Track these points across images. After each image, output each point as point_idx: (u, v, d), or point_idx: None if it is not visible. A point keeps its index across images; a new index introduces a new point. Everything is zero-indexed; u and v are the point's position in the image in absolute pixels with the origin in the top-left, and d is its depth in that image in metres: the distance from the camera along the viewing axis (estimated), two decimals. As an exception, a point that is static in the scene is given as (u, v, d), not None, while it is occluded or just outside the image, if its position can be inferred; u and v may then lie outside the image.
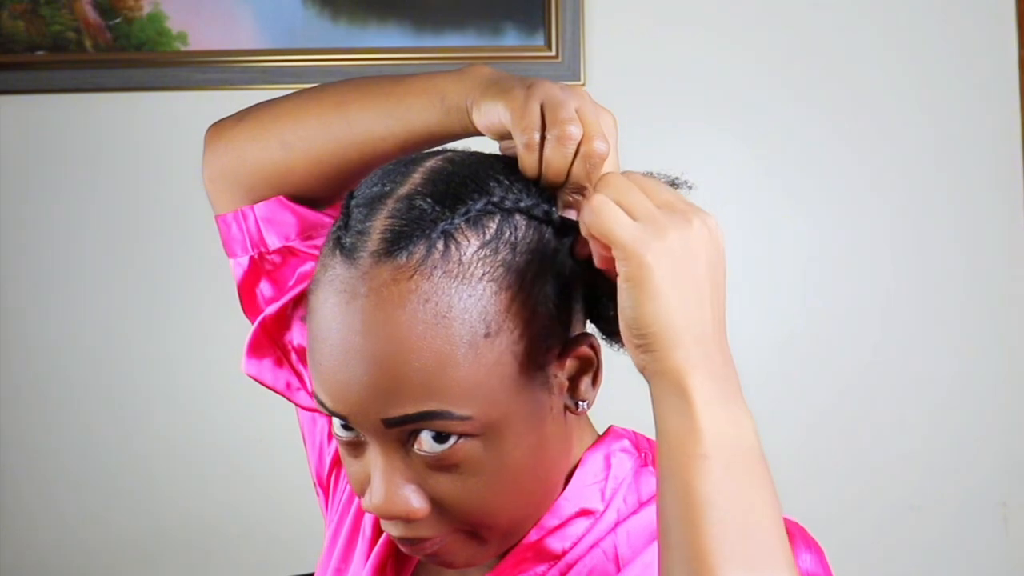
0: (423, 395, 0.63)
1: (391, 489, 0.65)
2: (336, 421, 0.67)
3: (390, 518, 0.67)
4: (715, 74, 1.98)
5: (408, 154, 0.74)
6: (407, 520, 0.67)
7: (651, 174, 0.70)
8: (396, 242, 0.63)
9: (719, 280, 0.63)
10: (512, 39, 1.95)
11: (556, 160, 0.65)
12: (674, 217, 0.61)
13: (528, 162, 0.66)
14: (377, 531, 0.83)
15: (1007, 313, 1.99)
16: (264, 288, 0.86)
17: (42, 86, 1.96)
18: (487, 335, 0.63)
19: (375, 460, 0.66)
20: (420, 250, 0.62)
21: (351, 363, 0.63)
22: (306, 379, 0.87)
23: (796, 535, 0.69)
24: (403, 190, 0.65)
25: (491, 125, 0.69)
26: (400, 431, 0.64)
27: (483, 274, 0.63)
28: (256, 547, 1.95)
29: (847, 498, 1.97)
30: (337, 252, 0.65)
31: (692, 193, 0.71)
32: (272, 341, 0.86)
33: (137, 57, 1.96)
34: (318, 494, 0.92)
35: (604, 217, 0.61)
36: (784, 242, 1.99)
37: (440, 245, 0.63)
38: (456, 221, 0.63)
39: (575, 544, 0.72)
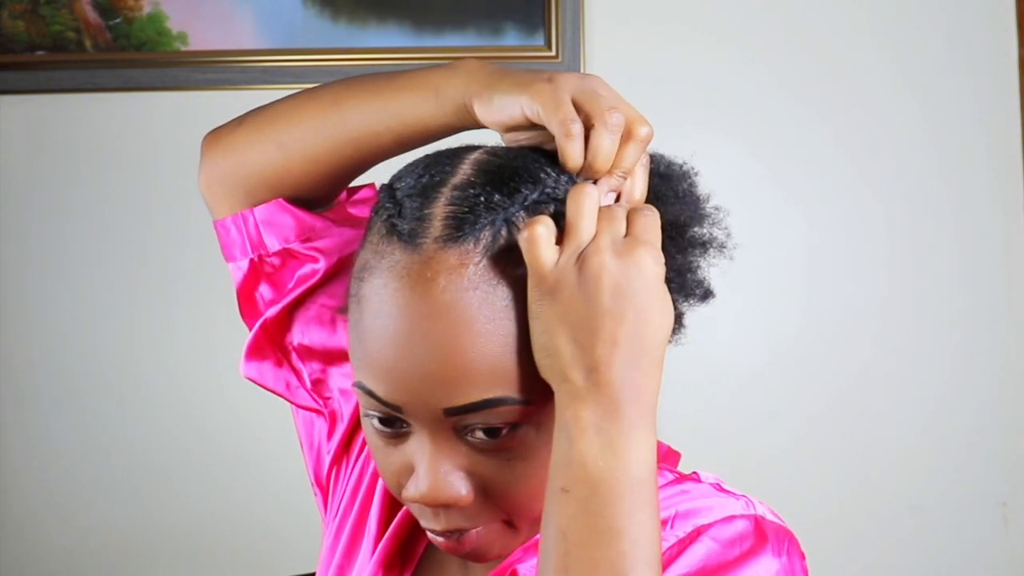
0: (488, 382, 0.63)
1: (439, 476, 0.65)
2: (373, 413, 0.67)
3: (436, 505, 0.66)
4: (715, 74, 1.98)
5: (405, 149, 0.76)
6: (452, 507, 0.66)
7: (655, 156, 0.72)
8: (460, 228, 0.63)
9: (637, 314, 0.62)
10: (512, 39, 1.95)
11: (605, 147, 0.66)
12: (595, 256, 0.62)
13: (572, 152, 0.66)
14: (382, 528, 0.83)
15: (1007, 313, 1.99)
16: (264, 291, 0.86)
17: (42, 86, 1.96)
18: None
19: (422, 448, 0.66)
20: (486, 236, 0.64)
21: (416, 350, 0.63)
22: (305, 377, 0.87)
23: (771, 539, 0.69)
24: (456, 180, 0.66)
25: (506, 118, 0.70)
26: (458, 419, 0.64)
27: None
28: (258, 546, 1.95)
29: (847, 498, 1.97)
30: (394, 238, 0.65)
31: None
32: (273, 343, 0.86)
33: (137, 57, 1.96)
34: (316, 494, 0.92)
35: (531, 246, 0.63)
36: (784, 242, 1.99)
37: (504, 232, 0.64)
38: (515, 209, 0.65)
39: None
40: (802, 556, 0.71)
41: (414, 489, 0.66)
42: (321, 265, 0.84)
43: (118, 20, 1.96)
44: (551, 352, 0.62)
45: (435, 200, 0.65)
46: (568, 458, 0.61)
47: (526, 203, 0.65)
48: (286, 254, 0.85)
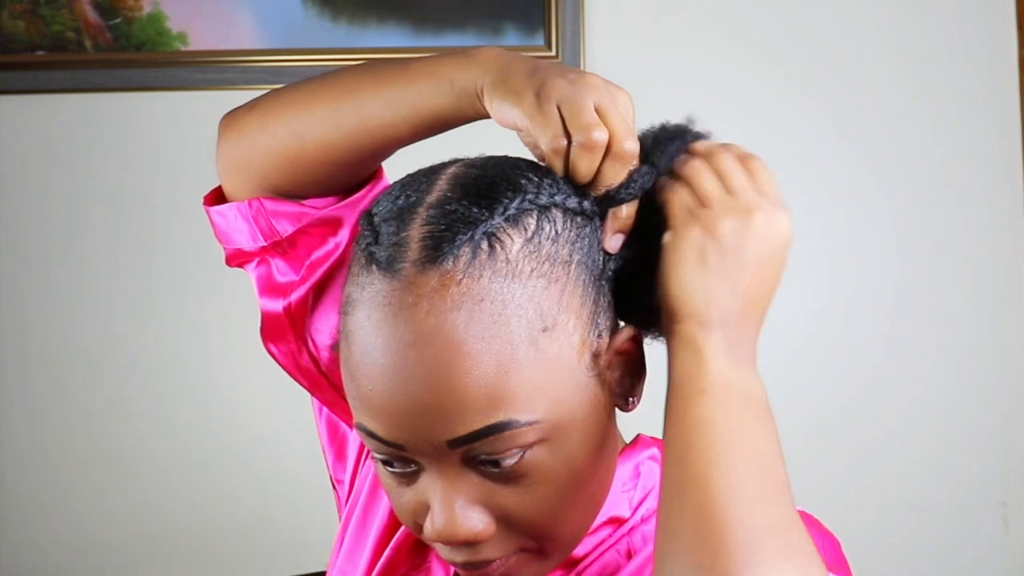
0: (488, 407, 0.61)
1: (454, 512, 0.63)
2: (380, 456, 0.64)
3: (456, 543, 0.64)
4: (716, 74, 1.98)
5: (423, 137, 0.74)
6: (474, 543, 0.64)
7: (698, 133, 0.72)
8: (438, 248, 0.61)
9: (766, 276, 0.67)
10: (512, 39, 1.95)
11: (583, 166, 0.65)
12: (736, 207, 0.66)
13: (557, 166, 0.66)
14: (387, 534, 0.81)
15: (1007, 313, 1.99)
16: (279, 265, 0.83)
17: (42, 86, 1.96)
18: (545, 329, 0.62)
19: (433, 485, 0.64)
20: (466, 253, 0.61)
21: (407, 381, 0.61)
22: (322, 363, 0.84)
23: (809, 524, 0.69)
24: (432, 198, 0.64)
25: (507, 124, 0.68)
26: (464, 450, 0.62)
27: (531, 270, 0.62)
28: (260, 546, 1.95)
29: (847, 498, 1.97)
30: (373, 267, 0.63)
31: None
32: (297, 332, 0.84)
33: (137, 57, 1.96)
34: (334, 491, 0.90)
35: (669, 191, 0.67)
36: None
37: (485, 246, 0.62)
38: (496, 221, 0.62)
39: (595, 548, 0.72)
40: (836, 539, 0.72)
41: (431, 528, 0.64)
42: (342, 236, 0.81)
43: (118, 20, 1.96)
44: (674, 289, 0.64)
45: (411, 222, 0.63)
46: (701, 369, 0.63)
47: (507, 213, 0.63)
48: (299, 232, 0.82)
